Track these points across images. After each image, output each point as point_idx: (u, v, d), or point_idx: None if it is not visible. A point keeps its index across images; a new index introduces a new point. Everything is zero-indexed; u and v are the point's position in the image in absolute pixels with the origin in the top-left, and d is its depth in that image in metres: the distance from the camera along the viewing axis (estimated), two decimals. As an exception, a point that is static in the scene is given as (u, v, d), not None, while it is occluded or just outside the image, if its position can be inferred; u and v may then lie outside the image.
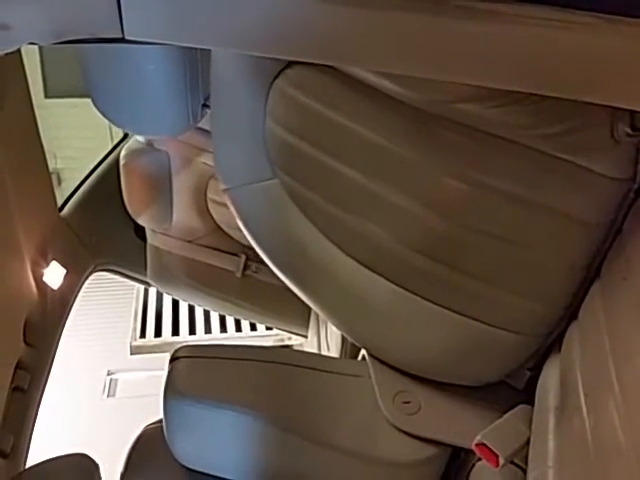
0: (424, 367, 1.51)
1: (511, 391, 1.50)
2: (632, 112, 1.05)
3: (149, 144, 2.30)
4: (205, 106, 1.91)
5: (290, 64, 1.33)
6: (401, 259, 1.36)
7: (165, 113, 1.90)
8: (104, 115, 1.88)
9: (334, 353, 2.11)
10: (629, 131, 1.05)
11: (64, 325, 2.00)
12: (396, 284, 1.39)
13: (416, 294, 1.37)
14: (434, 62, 0.81)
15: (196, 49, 1.74)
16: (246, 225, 1.62)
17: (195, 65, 1.79)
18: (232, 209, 1.63)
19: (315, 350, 2.52)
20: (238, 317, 3.29)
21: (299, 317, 2.71)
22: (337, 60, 0.92)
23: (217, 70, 1.51)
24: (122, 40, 0.80)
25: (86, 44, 0.80)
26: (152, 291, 3.73)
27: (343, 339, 1.99)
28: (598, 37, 0.76)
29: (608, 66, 0.78)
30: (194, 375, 1.51)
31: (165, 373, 1.51)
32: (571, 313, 1.29)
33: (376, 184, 1.32)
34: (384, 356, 1.55)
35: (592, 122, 1.08)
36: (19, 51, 1.66)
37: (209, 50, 1.52)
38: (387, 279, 1.40)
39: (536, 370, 1.40)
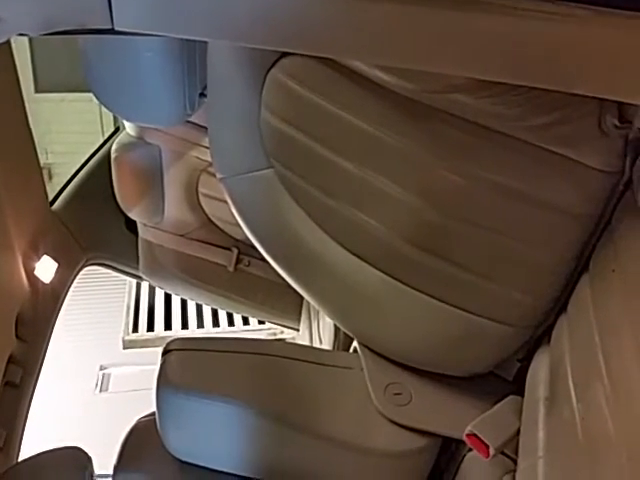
0: (414, 357, 1.52)
1: (501, 382, 1.51)
2: (620, 104, 1.06)
3: (140, 138, 2.29)
4: (202, 95, 1.91)
5: (285, 54, 1.34)
6: (392, 249, 1.37)
7: (162, 101, 1.89)
8: (102, 103, 1.88)
9: (326, 346, 2.12)
10: (617, 123, 1.06)
11: (56, 319, 2.00)
12: (387, 273, 1.40)
13: (406, 284, 1.39)
14: (423, 53, 0.81)
15: None
16: (240, 214, 1.63)
17: (193, 54, 1.80)
18: (227, 198, 1.64)
19: (307, 343, 2.52)
20: (231, 311, 3.29)
21: (291, 311, 2.72)
22: (325, 51, 0.91)
23: (213, 59, 1.51)
24: (112, 31, 0.80)
25: (78, 35, 0.80)
26: (144, 285, 3.73)
27: (335, 332, 2.00)
28: (587, 29, 0.76)
29: (597, 58, 0.78)
30: (187, 368, 1.51)
31: (158, 366, 1.51)
32: (560, 305, 1.30)
33: (368, 174, 1.33)
34: (375, 346, 1.56)
35: (580, 114, 1.09)
36: (9, 45, 1.66)
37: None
38: (378, 268, 1.41)
39: (526, 361, 1.41)
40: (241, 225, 1.65)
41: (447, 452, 1.50)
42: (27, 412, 1.71)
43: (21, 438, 1.67)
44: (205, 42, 1.53)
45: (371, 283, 1.44)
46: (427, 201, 1.28)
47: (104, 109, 1.96)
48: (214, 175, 1.69)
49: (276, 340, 3.18)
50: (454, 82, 1.13)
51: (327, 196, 1.42)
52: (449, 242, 1.30)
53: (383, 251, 1.39)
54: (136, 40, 1.67)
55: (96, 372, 3.97)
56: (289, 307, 2.69)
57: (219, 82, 1.54)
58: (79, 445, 1.50)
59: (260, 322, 3.43)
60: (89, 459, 1.46)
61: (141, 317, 3.59)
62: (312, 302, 1.65)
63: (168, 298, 3.69)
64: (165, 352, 1.52)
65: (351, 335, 1.63)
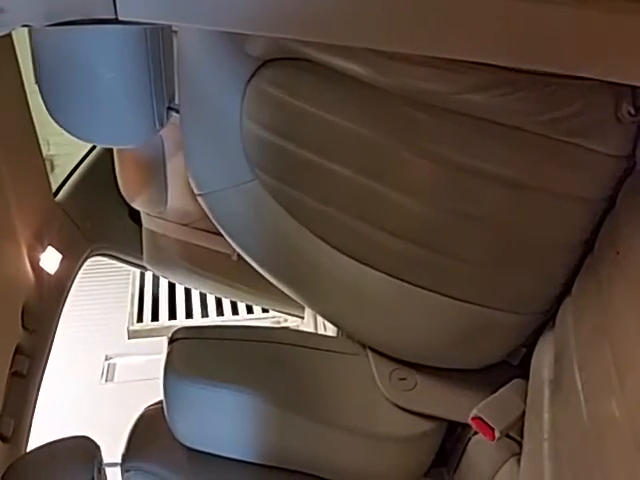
0: (424, 355, 1.52)
1: (506, 367, 1.51)
2: (634, 92, 1.06)
3: (143, 128, 2.28)
4: (170, 109, 1.77)
5: (265, 63, 1.31)
6: (391, 249, 1.35)
7: (129, 122, 1.76)
8: (62, 127, 1.74)
9: (331, 333, 2.12)
10: (632, 111, 1.06)
11: (62, 310, 2.00)
12: (390, 275, 1.38)
13: (411, 283, 1.37)
14: (429, 38, 0.80)
15: (159, 48, 1.65)
16: (227, 230, 1.61)
17: (158, 68, 1.65)
18: (209, 215, 1.61)
19: (312, 330, 2.53)
20: (234, 299, 3.30)
21: (295, 298, 2.72)
22: (332, 38, 0.91)
23: (187, 73, 1.47)
24: (115, 21, 0.79)
25: (81, 25, 0.80)
26: (148, 275, 3.73)
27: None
28: (596, 11, 0.76)
29: (606, 40, 0.78)
30: (193, 356, 1.52)
31: (164, 355, 1.52)
32: (567, 288, 1.30)
33: (362, 178, 1.30)
34: (383, 348, 1.55)
35: (597, 104, 1.08)
36: (10, 36, 1.65)
37: (171, 48, 1.48)
38: (377, 269, 1.39)
39: (531, 346, 1.41)
40: (229, 241, 1.62)
41: (453, 435, 1.51)
42: (35, 402, 1.72)
43: (29, 428, 1.68)
44: (170, 53, 1.48)
45: (375, 286, 1.42)
46: (429, 200, 1.27)
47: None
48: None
49: (281, 328, 3.19)
50: (467, 82, 1.11)
51: (319, 202, 1.39)
52: (454, 237, 1.29)
53: (384, 252, 1.37)
54: (96, 62, 1.56)
55: (101, 362, 3.98)
56: (293, 295, 2.69)
57: (194, 97, 1.49)
58: (86, 435, 1.51)
59: (264, 310, 3.43)
60: (98, 448, 1.47)
61: (145, 307, 3.59)
62: (314, 310, 1.64)
63: (172, 288, 3.70)
64: (171, 341, 1.54)
65: (357, 340, 1.63)
